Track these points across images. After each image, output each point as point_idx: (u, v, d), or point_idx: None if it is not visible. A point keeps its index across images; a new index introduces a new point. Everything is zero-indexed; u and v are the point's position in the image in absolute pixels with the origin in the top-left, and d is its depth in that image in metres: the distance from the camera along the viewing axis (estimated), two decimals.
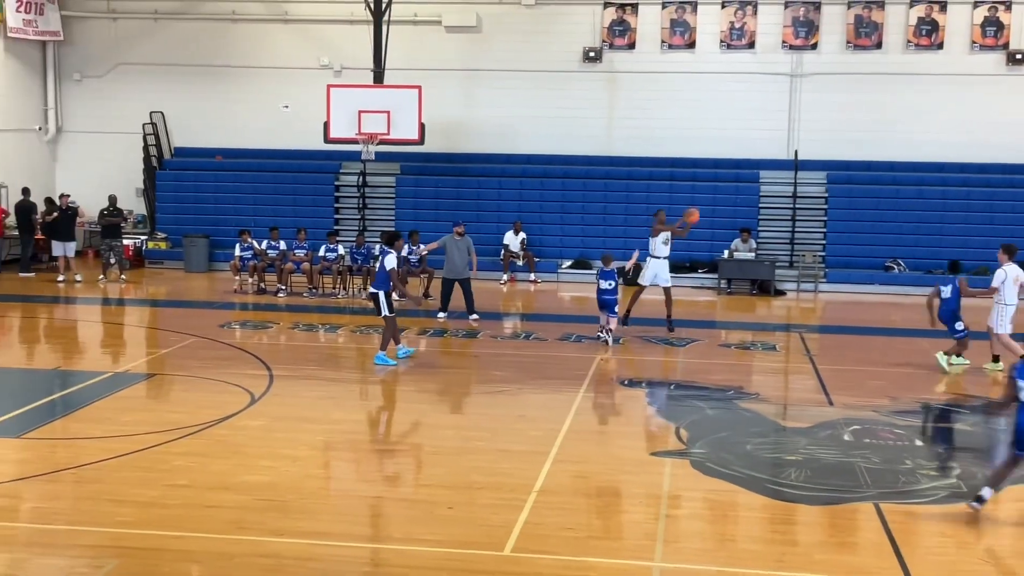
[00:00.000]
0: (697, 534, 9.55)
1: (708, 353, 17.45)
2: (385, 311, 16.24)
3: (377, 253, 23.24)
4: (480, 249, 26.14)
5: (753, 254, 25.48)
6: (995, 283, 16.42)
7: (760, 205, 26.86)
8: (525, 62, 27.66)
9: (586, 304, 20.06)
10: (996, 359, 16.47)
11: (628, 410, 14.64)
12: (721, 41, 27.43)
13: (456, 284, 20.40)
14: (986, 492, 10.06)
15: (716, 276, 25.43)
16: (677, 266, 25.75)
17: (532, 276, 25.79)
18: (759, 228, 26.60)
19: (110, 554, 8.85)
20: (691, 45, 27.52)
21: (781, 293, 25.03)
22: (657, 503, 10.37)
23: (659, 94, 27.49)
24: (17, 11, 27.10)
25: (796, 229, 26.63)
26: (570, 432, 12.90)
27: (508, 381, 15.53)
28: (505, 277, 25.65)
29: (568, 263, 26.06)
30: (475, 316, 20.31)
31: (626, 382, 15.64)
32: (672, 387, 15.55)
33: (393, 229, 18.26)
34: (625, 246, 25.88)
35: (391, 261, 16.32)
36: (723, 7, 27.36)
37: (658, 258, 19.24)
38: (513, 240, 25.99)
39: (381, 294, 16.22)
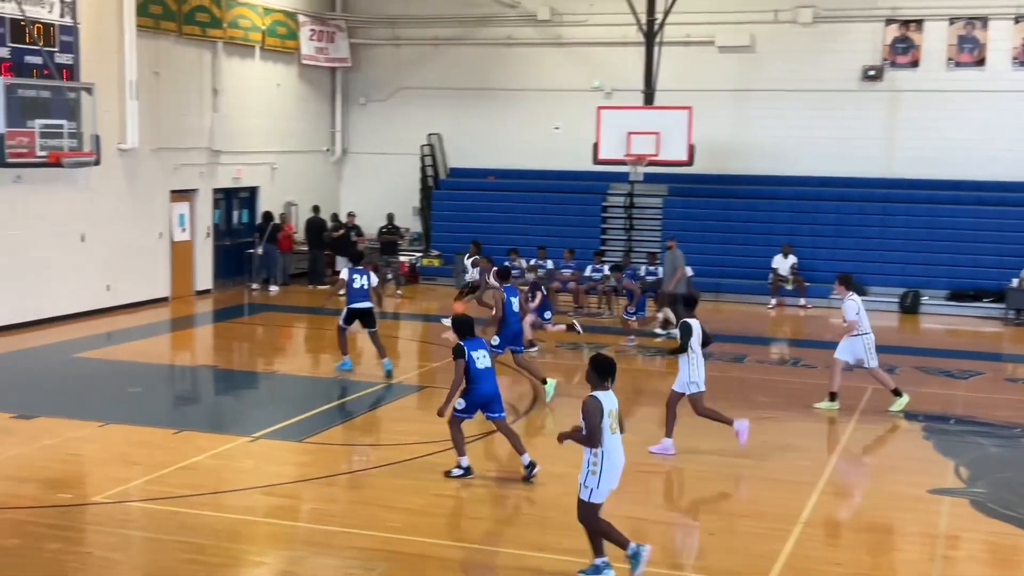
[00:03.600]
0: None
1: (992, 387, 16.42)
2: None
3: (642, 274, 23.31)
4: (748, 272, 25.79)
5: None
6: (850, 316, 15.07)
7: None
8: (800, 81, 26.95)
9: None
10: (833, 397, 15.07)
11: (902, 444, 13.97)
12: (1014, 58, 25.81)
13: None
14: None
15: (1003, 306, 23.89)
16: (961, 294, 24.42)
17: (802, 301, 25.04)
18: None
19: (380, 557, 9.19)
20: (980, 62, 26.05)
21: None
22: (932, 543, 9.83)
23: (944, 114, 26.14)
24: (311, 40, 28.85)
25: None
26: (839, 463, 12.42)
27: (774, 408, 15.14)
28: (773, 301, 25.03)
29: None
30: (662, 333, 20.52)
31: (901, 414, 14.93)
32: (951, 421, 14.70)
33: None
34: (903, 272, 24.82)
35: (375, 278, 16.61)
36: (1016, 22, 25.75)
37: None
38: (782, 264, 25.36)
39: None
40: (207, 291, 25.19)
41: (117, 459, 12.19)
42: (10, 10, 18.95)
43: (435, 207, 29.31)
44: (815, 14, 26.78)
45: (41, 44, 19.36)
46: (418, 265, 28.39)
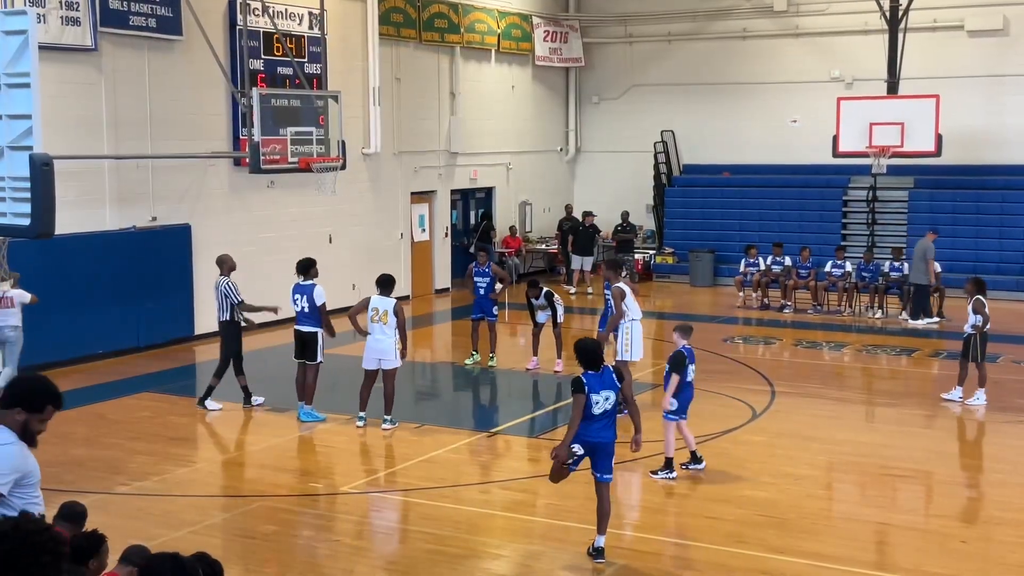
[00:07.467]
0: None
1: None
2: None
3: (886, 270, 22.41)
4: (1003, 267, 24.40)
5: None
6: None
7: None
8: None
9: None
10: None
11: None
12: None
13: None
14: None
15: None
16: None
17: None
18: None
19: (617, 555, 9.20)
20: None
21: None
22: None
23: None
24: (544, 41, 29.21)
25: None
26: None
27: None
28: None
29: None
30: (906, 317, 21.00)
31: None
32: None
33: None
34: None
35: (321, 295, 13.98)
36: None
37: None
38: None
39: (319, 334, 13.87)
40: (445, 290, 25.88)
41: (363, 451, 12.70)
42: (263, 24, 20.04)
43: (668, 204, 29.10)
44: None
45: (292, 56, 20.38)
46: (652, 263, 28.28)
